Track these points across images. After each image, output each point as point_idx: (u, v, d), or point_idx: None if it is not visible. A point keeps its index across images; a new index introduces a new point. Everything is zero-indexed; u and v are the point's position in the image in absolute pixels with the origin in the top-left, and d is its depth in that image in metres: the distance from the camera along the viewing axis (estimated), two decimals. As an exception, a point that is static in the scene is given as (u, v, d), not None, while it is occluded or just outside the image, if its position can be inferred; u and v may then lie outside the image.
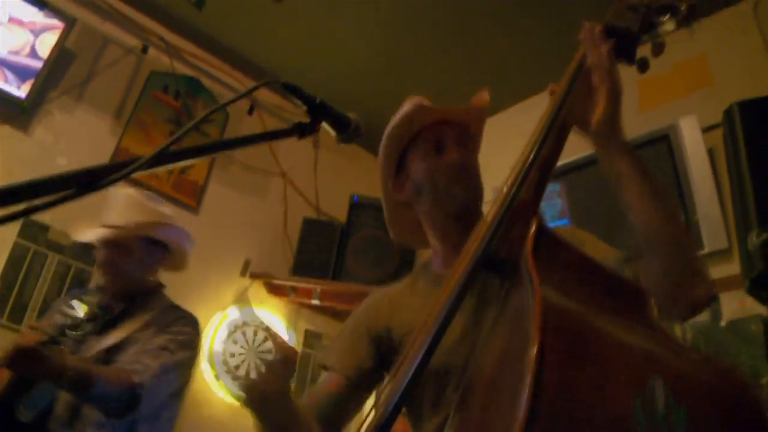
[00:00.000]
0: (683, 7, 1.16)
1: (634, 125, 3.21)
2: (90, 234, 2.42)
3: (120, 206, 2.47)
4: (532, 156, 1.03)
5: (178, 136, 0.75)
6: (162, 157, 0.77)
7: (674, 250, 1.07)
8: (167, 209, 2.62)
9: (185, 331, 2.33)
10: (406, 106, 1.43)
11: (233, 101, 0.94)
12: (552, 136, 1.09)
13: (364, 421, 0.86)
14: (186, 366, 2.30)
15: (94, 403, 2.03)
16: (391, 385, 0.86)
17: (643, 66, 1.25)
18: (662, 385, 0.64)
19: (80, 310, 2.19)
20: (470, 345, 1.15)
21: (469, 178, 1.39)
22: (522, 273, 0.80)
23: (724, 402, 0.69)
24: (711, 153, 2.92)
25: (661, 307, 1.04)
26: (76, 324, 2.12)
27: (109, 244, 2.39)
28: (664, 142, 3.07)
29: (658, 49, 1.23)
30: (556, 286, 0.76)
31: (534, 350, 0.63)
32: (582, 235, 1.32)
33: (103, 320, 2.24)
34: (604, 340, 0.71)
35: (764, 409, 0.69)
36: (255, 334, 3.90)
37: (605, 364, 0.66)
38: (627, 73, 1.27)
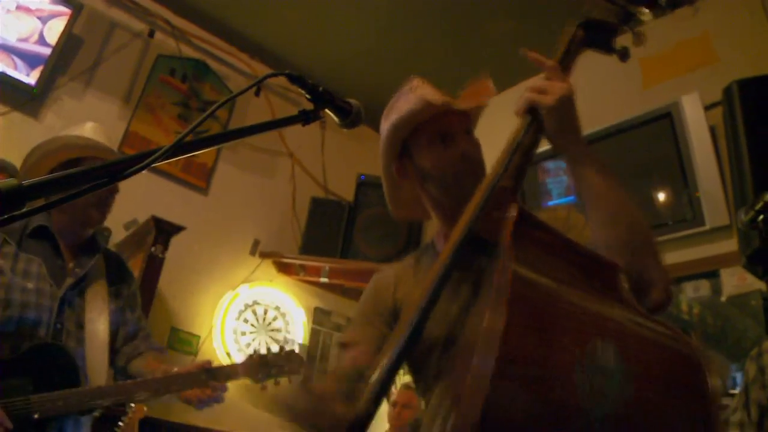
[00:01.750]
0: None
1: (638, 102, 3.27)
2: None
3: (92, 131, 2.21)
4: (510, 152, 1.09)
5: (188, 132, 0.80)
6: (176, 149, 0.82)
7: (633, 254, 1.10)
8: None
9: (137, 289, 2.33)
10: (410, 97, 1.44)
11: (236, 96, 0.98)
12: (521, 151, 1.14)
13: (365, 383, 0.92)
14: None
15: None
16: (382, 356, 0.92)
17: (623, 55, 1.29)
18: (602, 344, 0.74)
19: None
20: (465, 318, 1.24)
21: (476, 168, 1.41)
22: (500, 251, 0.90)
23: (666, 363, 0.77)
24: (713, 130, 2.94)
25: None
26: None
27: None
28: (667, 120, 3.10)
29: (639, 39, 1.27)
30: (529, 262, 0.84)
31: (501, 319, 0.72)
32: (575, 217, 1.36)
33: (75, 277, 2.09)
34: (559, 306, 0.80)
35: (704, 374, 0.75)
36: (265, 312, 3.99)
37: (556, 326, 0.76)
38: (631, 51, 1.31)
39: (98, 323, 2.09)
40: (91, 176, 0.71)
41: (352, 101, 1.17)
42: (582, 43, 1.31)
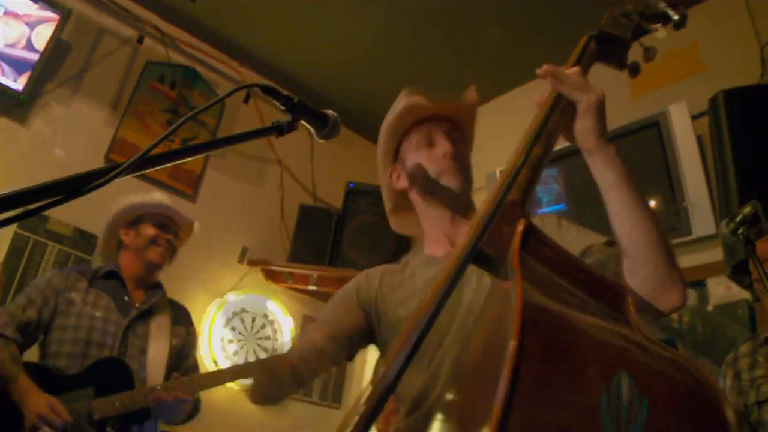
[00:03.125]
0: (676, 17, 1.20)
1: (626, 112, 3.27)
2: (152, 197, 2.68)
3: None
4: (520, 162, 1.07)
5: (153, 146, 0.79)
6: (143, 162, 0.81)
7: (655, 259, 1.13)
8: None
9: (195, 332, 2.72)
10: (401, 102, 1.51)
11: (203, 110, 0.97)
12: (540, 144, 1.13)
13: (361, 397, 0.90)
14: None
15: (165, 416, 2.35)
16: (387, 365, 0.91)
17: (634, 71, 1.29)
18: (627, 378, 0.70)
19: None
20: (448, 321, 1.29)
21: (457, 168, 1.47)
22: (507, 269, 0.86)
23: (683, 396, 0.73)
24: (700, 140, 2.94)
25: (638, 306, 1.09)
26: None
27: (170, 226, 2.66)
28: (654, 129, 3.10)
29: (650, 55, 1.27)
30: (538, 283, 0.81)
31: (513, 344, 0.68)
32: (567, 226, 1.37)
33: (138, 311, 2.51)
34: (578, 336, 0.75)
35: (720, 403, 0.74)
36: (253, 320, 3.96)
37: (577, 358, 0.71)
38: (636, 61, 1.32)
39: (159, 349, 2.48)
40: (48, 192, 0.70)
41: (329, 112, 1.17)
42: (595, 56, 1.31)
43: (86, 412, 2.20)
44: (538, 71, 1.19)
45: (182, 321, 2.66)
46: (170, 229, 2.63)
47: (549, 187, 3.67)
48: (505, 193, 1.02)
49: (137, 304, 2.53)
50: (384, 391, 0.83)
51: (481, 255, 0.96)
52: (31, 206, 0.69)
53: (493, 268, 0.97)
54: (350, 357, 1.55)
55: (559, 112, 1.17)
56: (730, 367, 1.97)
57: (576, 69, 1.21)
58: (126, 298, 2.52)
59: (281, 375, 1.50)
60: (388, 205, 1.63)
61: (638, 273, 1.13)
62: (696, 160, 2.93)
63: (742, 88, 2.33)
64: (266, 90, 1.04)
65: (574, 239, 1.30)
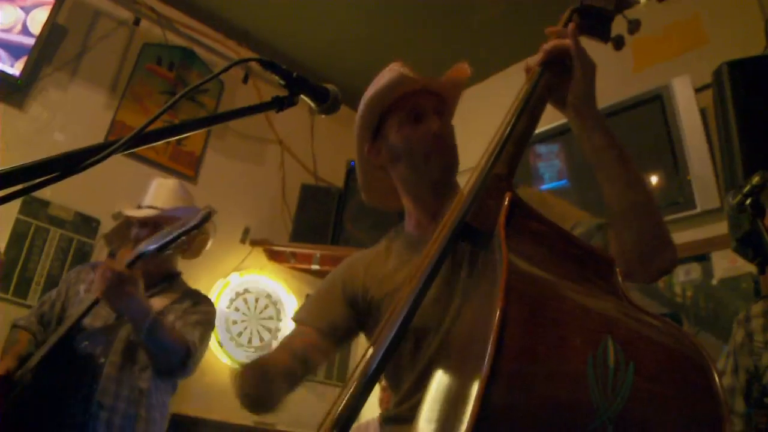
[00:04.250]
0: None
1: (628, 86, 3.24)
2: (138, 212, 2.60)
3: (161, 192, 2.68)
4: (506, 132, 1.06)
5: (150, 122, 0.77)
6: (140, 138, 0.79)
7: (644, 219, 1.13)
8: (189, 194, 2.82)
9: (210, 311, 2.60)
10: (387, 74, 1.44)
11: (203, 84, 0.95)
12: (527, 113, 1.12)
13: (349, 379, 0.90)
14: (208, 340, 2.55)
15: (155, 350, 2.28)
16: (373, 348, 0.90)
17: (619, 43, 1.28)
18: (613, 344, 0.69)
19: None
20: (442, 306, 1.24)
21: (446, 148, 1.41)
22: (494, 243, 0.85)
23: (673, 363, 0.73)
24: (703, 113, 2.92)
25: (630, 271, 1.09)
26: None
27: (149, 223, 2.55)
28: (657, 103, 3.08)
29: (634, 27, 1.26)
30: (524, 254, 0.81)
31: (498, 312, 0.67)
32: (552, 200, 1.35)
33: None
34: (564, 303, 0.76)
35: (707, 368, 0.73)
36: (256, 300, 3.97)
37: (563, 325, 0.71)
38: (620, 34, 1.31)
39: None
40: (43, 169, 0.68)
41: (329, 86, 1.15)
42: (578, 30, 1.30)
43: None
44: (547, 31, 1.21)
45: (189, 300, 2.59)
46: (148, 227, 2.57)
47: (550, 163, 3.65)
48: (491, 167, 1.01)
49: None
50: (373, 372, 0.82)
51: (467, 229, 0.95)
52: (28, 183, 0.67)
53: (480, 243, 0.96)
54: (340, 349, 1.50)
55: (545, 84, 1.17)
56: (742, 326, 1.96)
57: (572, 30, 1.20)
58: None
59: (273, 376, 1.40)
60: (361, 178, 1.56)
61: (629, 236, 1.13)
62: (699, 134, 2.91)
63: (747, 59, 2.29)
64: (265, 64, 1.02)
65: (561, 213, 1.28)
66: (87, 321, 2.32)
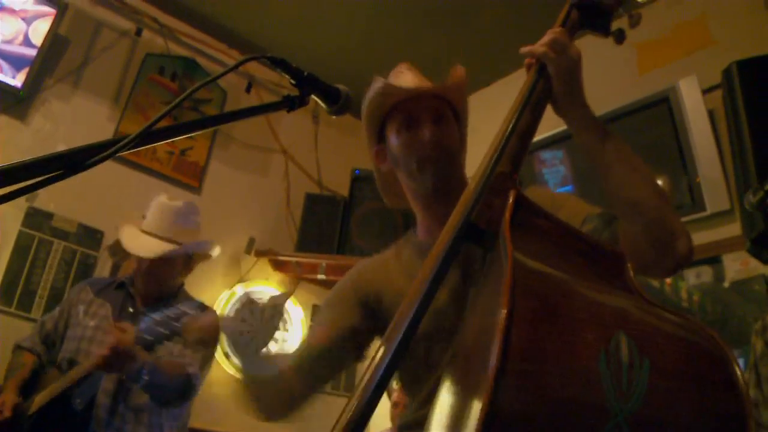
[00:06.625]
0: None
1: (634, 89, 3.22)
2: (146, 250, 2.53)
3: (166, 217, 2.63)
4: (508, 130, 1.05)
5: (154, 122, 0.75)
6: (146, 137, 0.77)
7: (651, 211, 1.11)
8: (198, 218, 2.78)
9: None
10: (373, 87, 1.42)
11: (209, 81, 0.93)
12: (528, 112, 1.11)
13: (360, 382, 0.87)
14: (212, 360, 2.61)
15: (153, 392, 2.28)
16: (383, 349, 0.88)
17: (619, 37, 1.28)
18: (626, 339, 0.67)
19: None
20: (457, 309, 1.20)
21: (440, 155, 1.37)
22: (500, 241, 0.83)
23: (691, 357, 0.70)
24: (711, 114, 2.89)
25: (645, 266, 1.07)
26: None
27: (157, 259, 2.54)
28: (664, 105, 3.05)
29: (635, 21, 1.25)
30: (530, 251, 0.79)
31: (503, 311, 0.66)
32: (561, 199, 1.34)
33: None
34: (571, 299, 0.73)
35: (727, 359, 0.70)
36: (263, 311, 3.92)
37: (571, 322, 0.69)
38: (627, 34, 1.29)
39: None
40: (46, 167, 0.66)
41: (340, 86, 1.13)
42: (578, 24, 1.29)
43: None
44: (522, 50, 1.21)
45: (192, 313, 2.60)
46: None
47: (555, 169, 3.63)
48: (494, 165, 0.99)
49: (143, 313, 2.50)
50: (383, 374, 0.80)
51: (473, 229, 0.93)
52: (31, 181, 0.65)
53: (486, 243, 0.94)
54: (359, 357, 1.47)
55: (542, 88, 1.17)
56: (760, 336, 1.92)
57: (557, 29, 1.19)
58: (131, 309, 2.56)
59: (290, 385, 1.41)
60: (378, 182, 1.55)
61: (638, 229, 1.11)
62: (708, 135, 2.88)
63: (757, 58, 2.27)
64: (275, 62, 1.00)
65: (571, 211, 1.27)
66: (80, 357, 2.36)
